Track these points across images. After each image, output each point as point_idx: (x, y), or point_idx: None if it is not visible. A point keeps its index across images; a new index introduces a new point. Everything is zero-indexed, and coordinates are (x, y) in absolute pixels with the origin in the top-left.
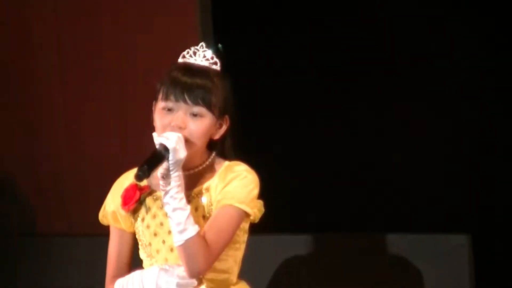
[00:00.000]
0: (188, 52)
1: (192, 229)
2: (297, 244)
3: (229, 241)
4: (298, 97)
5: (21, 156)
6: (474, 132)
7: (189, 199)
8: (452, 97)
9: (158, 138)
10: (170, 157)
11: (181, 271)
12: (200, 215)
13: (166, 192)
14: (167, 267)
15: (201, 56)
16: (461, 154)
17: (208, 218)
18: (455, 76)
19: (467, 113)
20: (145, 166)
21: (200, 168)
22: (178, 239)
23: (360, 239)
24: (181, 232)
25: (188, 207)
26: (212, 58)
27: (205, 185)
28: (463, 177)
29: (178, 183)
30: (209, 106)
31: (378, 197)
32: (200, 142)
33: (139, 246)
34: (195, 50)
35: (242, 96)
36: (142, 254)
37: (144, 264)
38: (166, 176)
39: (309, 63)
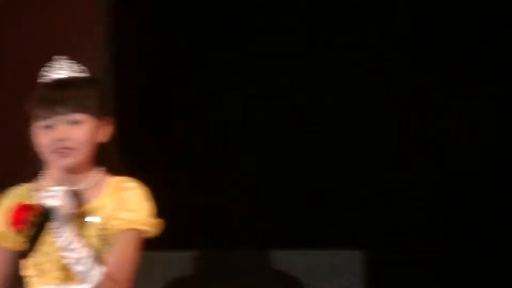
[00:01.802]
0: (52, 67)
1: (97, 274)
2: (187, 261)
3: (136, 267)
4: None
5: None
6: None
7: (78, 217)
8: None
9: (41, 198)
10: (56, 215)
11: None
12: (90, 234)
13: (63, 247)
14: None
15: (67, 67)
16: (348, 169)
17: (98, 238)
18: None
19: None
20: (29, 245)
21: (90, 183)
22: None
23: (251, 256)
24: (89, 281)
25: (90, 254)
26: (78, 67)
27: (95, 203)
28: (355, 194)
29: (73, 234)
30: (85, 111)
31: (269, 212)
32: (86, 149)
33: (25, 264)
34: (60, 63)
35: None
36: (28, 272)
37: (29, 283)
38: (59, 232)
39: (202, 67)
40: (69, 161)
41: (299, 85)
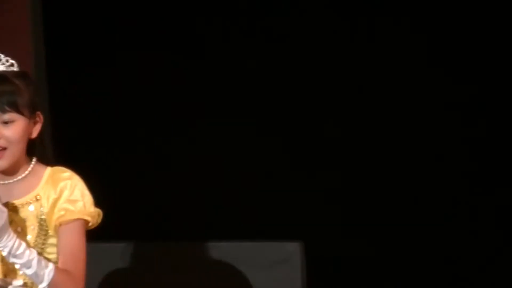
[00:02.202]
0: None
1: (49, 273)
2: (125, 253)
3: (86, 256)
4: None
5: None
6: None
7: (16, 209)
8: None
9: None
10: None
11: (16, 284)
12: (30, 225)
13: (8, 255)
14: (2, 282)
15: None
16: (291, 162)
17: (39, 228)
18: None
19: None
20: None
21: (23, 175)
22: (42, 286)
23: (192, 248)
24: (41, 281)
25: (35, 254)
26: (7, 61)
27: (32, 194)
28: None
29: (13, 240)
30: (17, 110)
31: (211, 204)
32: (19, 147)
33: None
34: None
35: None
36: None
37: None
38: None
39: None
40: (2, 163)
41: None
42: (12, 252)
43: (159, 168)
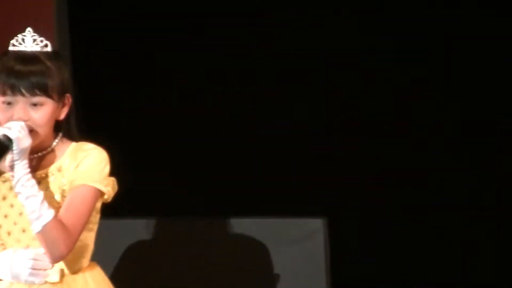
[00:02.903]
0: (17, 40)
1: (48, 214)
2: (149, 228)
3: (87, 222)
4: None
5: None
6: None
7: (39, 180)
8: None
9: (0, 129)
10: (14, 147)
11: (36, 254)
12: (51, 195)
13: (17, 182)
14: (21, 250)
15: (30, 41)
16: (314, 139)
17: (61, 199)
18: None
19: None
20: None
21: (48, 149)
22: (35, 226)
23: (216, 224)
24: (37, 218)
25: (41, 193)
26: (41, 41)
27: (54, 165)
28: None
29: (27, 170)
30: (47, 93)
31: (235, 180)
32: (45, 130)
33: None
34: (23, 37)
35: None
36: None
37: None
38: (13, 166)
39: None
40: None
41: None
42: (21, 180)
43: (183, 143)
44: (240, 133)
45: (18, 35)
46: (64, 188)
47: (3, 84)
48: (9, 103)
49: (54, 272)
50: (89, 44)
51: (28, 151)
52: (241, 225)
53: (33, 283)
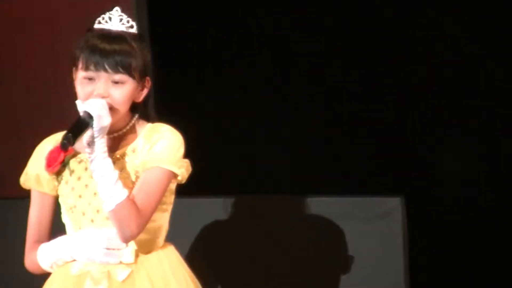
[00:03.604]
0: (103, 18)
1: (122, 194)
2: (225, 207)
3: (159, 203)
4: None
5: None
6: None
7: (114, 160)
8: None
9: (82, 106)
10: (94, 124)
11: (110, 234)
12: (126, 176)
13: (93, 159)
14: (96, 230)
15: (117, 20)
16: (391, 117)
17: (135, 179)
18: None
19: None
20: (70, 135)
21: (124, 130)
22: (108, 205)
23: (294, 202)
24: (110, 197)
25: (116, 172)
26: (128, 22)
27: (130, 147)
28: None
29: (105, 149)
30: (129, 72)
31: (311, 160)
32: (124, 109)
33: (62, 210)
34: (110, 15)
35: (171, 61)
36: (65, 218)
37: (67, 228)
38: (91, 143)
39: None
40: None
41: None
42: (98, 157)
43: (258, 125)
44: (323, 114)
45: (105, 13)
46: (138, 169)
47: (87, 59)
48: (90, 79)
49: (128, 253)
50: (166, 30)
51: (107, 130)
52: (319, 204)
53: (107, 263)
